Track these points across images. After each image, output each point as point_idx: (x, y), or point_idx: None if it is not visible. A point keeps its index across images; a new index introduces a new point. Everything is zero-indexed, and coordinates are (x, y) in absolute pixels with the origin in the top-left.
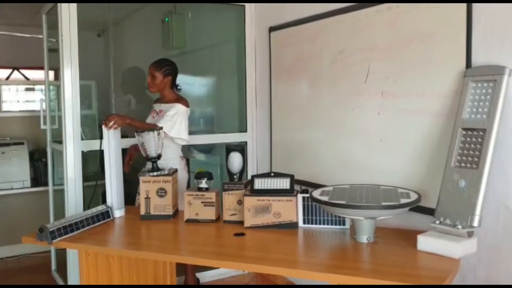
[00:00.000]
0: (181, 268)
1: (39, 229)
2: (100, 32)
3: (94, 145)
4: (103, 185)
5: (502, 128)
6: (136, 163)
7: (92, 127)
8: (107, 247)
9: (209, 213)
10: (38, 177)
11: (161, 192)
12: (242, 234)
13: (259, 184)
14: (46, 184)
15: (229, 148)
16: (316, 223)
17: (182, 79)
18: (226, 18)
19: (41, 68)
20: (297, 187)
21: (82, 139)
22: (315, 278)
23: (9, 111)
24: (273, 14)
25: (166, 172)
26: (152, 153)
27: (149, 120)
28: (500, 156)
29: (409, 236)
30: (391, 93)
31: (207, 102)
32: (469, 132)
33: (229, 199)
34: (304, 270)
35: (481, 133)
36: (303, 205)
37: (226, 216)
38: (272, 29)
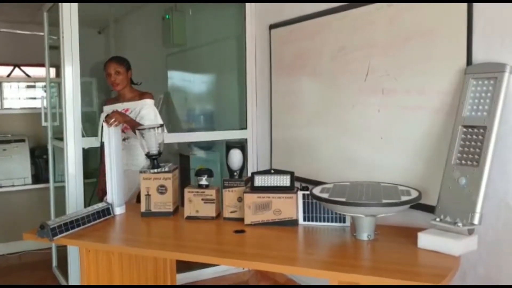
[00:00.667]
0: (182, 265)
1: (40, 226)
2: (100, 29)
3: (94, 142)
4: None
5: (502, 126)
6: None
7: (92, 124)
8: (107, 244)
9: (209, 210)
10: (39, 174)
11: (162, 189)
12: (242, 231)
13: (259, 181)
14: (47, 181)
15: (229, 145)
16: (316, 221)
17: (182, 76)
18: (227, 16)
19: (42, 65)
20: (297, 184)
21: (82, 136)
22: (315, 276)
23: (10, 108)
24: (273, 12)
25: (166, 169)
26: (153, 150)
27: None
28: (501, 154)
29: (409, 234)
30: (392, 90)
31: (207, 99)
32: (470, 130)
33: (229, 196)
34: (304, 267)
35: (481, 130)
36: (303, 202)
37: (226, 213)
38: (272, 26)
